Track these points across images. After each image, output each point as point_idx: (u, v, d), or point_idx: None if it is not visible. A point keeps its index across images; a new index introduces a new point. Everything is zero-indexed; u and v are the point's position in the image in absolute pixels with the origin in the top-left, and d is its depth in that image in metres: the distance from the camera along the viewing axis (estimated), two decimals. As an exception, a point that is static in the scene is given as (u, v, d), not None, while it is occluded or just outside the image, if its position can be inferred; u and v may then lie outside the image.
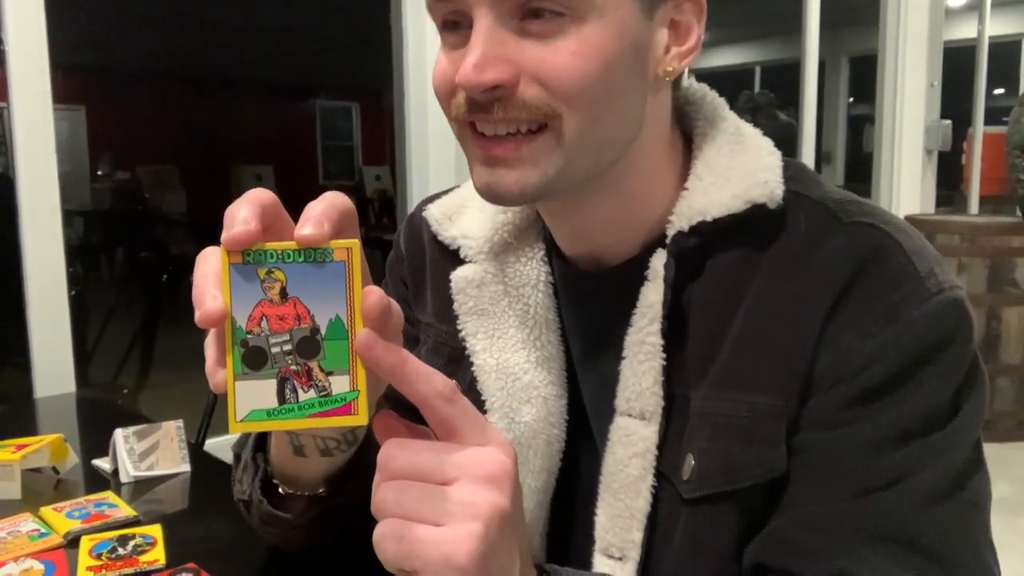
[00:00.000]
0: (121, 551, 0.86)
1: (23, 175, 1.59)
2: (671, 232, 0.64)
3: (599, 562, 0.65)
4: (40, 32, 1.58)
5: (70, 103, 8.97)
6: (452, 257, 0.74)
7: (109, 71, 9.28)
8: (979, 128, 4.51)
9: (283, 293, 0.45)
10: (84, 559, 0.84)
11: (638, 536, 0.63)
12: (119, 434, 1.11)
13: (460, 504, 0.44)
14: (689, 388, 0.63)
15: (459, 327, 0.72)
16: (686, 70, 0.66)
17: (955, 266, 3.45)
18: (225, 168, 10.04)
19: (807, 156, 3.50)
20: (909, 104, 3.57)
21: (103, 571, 0.82)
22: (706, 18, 0.63)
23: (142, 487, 1.07)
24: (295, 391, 0.46)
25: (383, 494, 0.45)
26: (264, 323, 0.46)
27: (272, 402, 0.46)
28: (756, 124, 0.70)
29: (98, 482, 1.08)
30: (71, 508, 0.96)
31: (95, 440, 1.17)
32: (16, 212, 1.60)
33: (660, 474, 0.63)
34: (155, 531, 0.90)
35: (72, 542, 0.89)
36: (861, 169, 6.76)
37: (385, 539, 0.44)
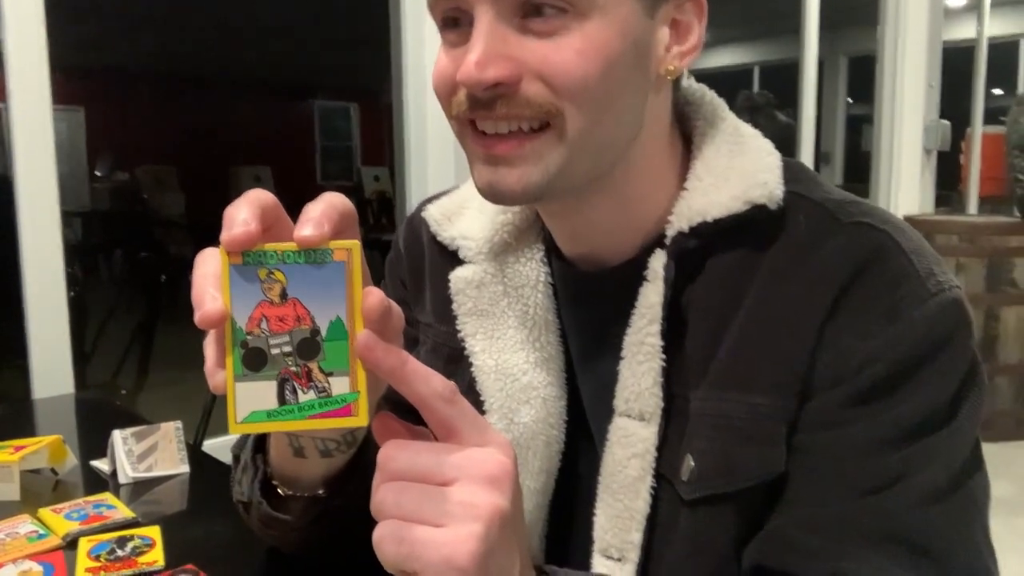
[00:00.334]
0: (120, 552, 0.86)
1: (22, 176, 1.59)
2: (671, 233, 0.63)
3: (598, 563, 0.65)
4: (39, 33, 1.58)
5: (69, 104, 8.96)
6: (451, 258, 0.74)
7: (108, 72, 9.28)
8: (978, 128, 4.51)
9: (283, 294, 0.45)
10: (83, 560, 0.84)
11: (637, 537, 0.63)
12: (117, 435, 1.11)
13: (460, 505, 0.44)
14: (689, 389, 0.62)
15: (458, 328, 0.72)
16: (686, 70, 0.66)
17: (953, 266, 3.45)
18: (224, 169, 10.03)
19: (806, 156, 3.50)
20: (908, 104, 3.58)
21: (102, 572, 0.82)
22: (707, 19, 0.63)
23: (141, 488, 1.07)
24: (295, 392, 0.46)
25: (383, 495, 0.45)
26: (264, 324, 0.45)
27: (272, 403, 0.46)
28: (755, 124, 0.70)
29: (97, 483, 1.08)
30: (70, 509, 0.96)
31: (94, 441, 1.17)
32: (15, 213, 1.60)
33: (660, 475, 0.63)
34: (154, 532, 0.90)
35: (71, 543, 0.89)
36: (860, 169, 6.77)
37: (385, 540, 0.44)
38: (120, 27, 7.36)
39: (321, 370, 0.46)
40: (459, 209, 0.75)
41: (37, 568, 0.84)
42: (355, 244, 0.46)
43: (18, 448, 1.08)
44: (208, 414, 1.59)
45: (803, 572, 0.57)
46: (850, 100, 9.27)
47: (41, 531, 0.91)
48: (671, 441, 0.62)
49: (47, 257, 1.63)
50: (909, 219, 3.53)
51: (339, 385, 0.46)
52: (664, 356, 0.63)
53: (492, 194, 0.61)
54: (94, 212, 8.85)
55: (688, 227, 0.62)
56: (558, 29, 0.56)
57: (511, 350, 0.70)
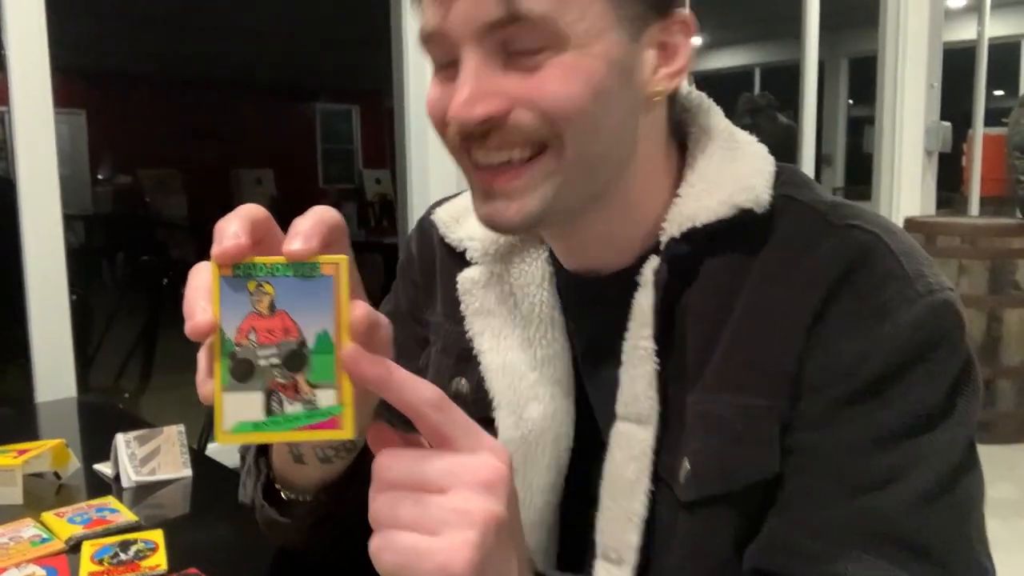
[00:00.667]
0: (123, 556, 0.86)
1: (24, 179, 1.59)
2: (663, 239, 0.64)
3: (599, 566, 0.65)
4: (41, 36, 1.58)
5: (71, 107, 8.98)
6: (459, 259, 0.75)
7: (110, 74, 9.29)
8: (979, 129, 4.51)
9: (271, 306, 0.46)
10: (86, 564, 0.84)
11: (635, 540, 0.63)
12: (120, 439, 1.11)
13: (454, 512, 0.44)
14: (684, 392, 0.63)
15: (466, 327, 0.73)
16: (687, 78, 0.67)
17: (956, 268, 3.44)
18: (225, 172, 10.04)
19: (807, 158, 3.50)
20: (909, 105, 3.57)
21: (105, 576, 0.82)
22: (696, 32, 0.64)
23: (144, 492, 1.07)
24: (281, 404, 0.46)
25: (378, 505, 0.46)
26: (252, 336, 0.46)
27: (259, 414, 0.46)
28: (756, 126, 0.73)
29: (100, 487, 1.08)
30: (73, 513, 0.96)
31: (97, 445, 1.17)
32: (17, 215, 1.60)
33: (658, 478, 0.63)
34: (157, 536, 0.90)
35: (74, 547, 0.89)
36: (861, 171, 6.76)
37: (381, 550, 0.45)
38: (122, 30, 7.37)
39: (308, 382, 0.46)
40: (467, 211, 0.75)
41: (40, 572, 0.84)
42: (343, 259, 0.46)
43: (21, 452, 1.08)
44: (211, 418, 1.59)
45: (802, 575, 0.57)
46: (851, 102, 9.27)
47: (44, 535, 0.91)
48: (669, 444, 0.63)
49: (49, 260, 1.63)
50: (910, 221, 3.54)
51: (325, 397, 0.46)
52: (659, 360, 0.63)
53: (492, 226, 0.63)
54: (96, 215, 8.86)
55: (679, 233, 0.63)
56: (541, 63, 0.58)
57: (518, 348, 0.71)
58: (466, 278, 0.73)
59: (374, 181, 10.76)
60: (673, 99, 0.68)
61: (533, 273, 0.71)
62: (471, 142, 0.60)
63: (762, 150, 0.67)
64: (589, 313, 0.70)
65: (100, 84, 9.36)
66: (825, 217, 0.62)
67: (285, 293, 0.46)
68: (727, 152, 0.66)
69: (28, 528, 0.93)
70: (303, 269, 0.46)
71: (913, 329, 0.57)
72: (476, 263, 0.73)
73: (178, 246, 8.42)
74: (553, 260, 0.72)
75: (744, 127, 0.70)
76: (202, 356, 0.47)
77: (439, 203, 0.82)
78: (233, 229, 0.45)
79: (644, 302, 0.64)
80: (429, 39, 0.61)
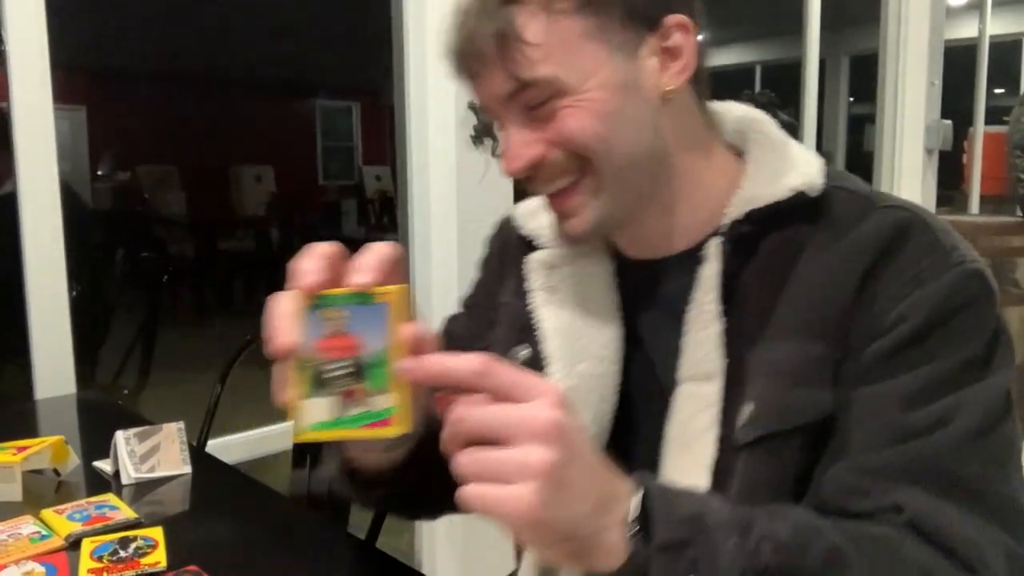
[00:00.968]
0: (122, 553, 0.86)
1: (23, 175, 1.59)
2: (725, 221, 0.74)
3: None
4: (41, 32, 1.58)
5: (71, 103, 8.97)
6: (530, 246, 0.86)
7: (110, 71, 9.28)
8: (980, 127, 4.51)
9: (340, 329, 0.57)
10: (85, 562, 0.84)
11: (703, 482, 0.70)
12: (120, 436, 1.11)
13: (518, 466, 0.52)
14: (745, 349, 0.71)
15: (531, 300, 0.83)
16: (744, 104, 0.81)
17: (956, 266, 3.43)
18: (225, 169, 10.03)
19: (808, 156, 3.49)
20: (910, 103, 3.57)
21: (104, 573, 0.82)
22: (697, 28, 0.72)
23: (143, 489, 1.07)
24: (347, 408, 0.57)
25: (460, 460, 0.54)
26: (324, 353, 0.57)
27: (329, 416, 0.57)
28: None
29: (99, 484, 1.08)
30: (72, 510, 0.96)
31: (96, 442, 1.17)
32: (16, 213, 1.60)
33: (720, 426, 0.71)
34: (156, 533, 0.90)
35: (73, 544, 0.89)
36: (862, 168, 6.75)
37: (469, 499, 0.53)
38: (122, 26, 7.36)
39: (368, 390, 0.56)
40: (539, 208, 0.86)
41: (40, 569, 0.84)
42: (396, 289, 0.57)
43: (20, 449, 1.08)
44: (211, 415, 1.59)
45: (858, 508, 0.64)
46: (852, 99, 9.26)
47: (44, 532, 0.91)
48: (730, 396, 0.71)
49: (48, 257, 1.63)
50: (911, 218, 3.53)
51: (382, 402, 0.56)
52: (724, 320, 0.72)
53: (568, 241, 0.77)
54: (95, 212, 8.85)
55: (742, 215, 0.73)
56: (555, 111, 0.70)
57: (575, 319, 0.80)
58: (535, 259, 0.84)
59: (374, 178, 10.76)
60: (701, 100, 0.77)
61: (593, 257, 0.82)
62: (532, 182, 0.74)
63: (812, 152, 0.77)
64: (648, 293, 0.80)
65: (101, 80, 9.35)
66: (869, 199, 0.72)
67: (350, 318, 0.57)
68: (782, 153, 0.77)
69: (27, 525, 0.93)
70: (364, 298, 0.57)
71: (948, 292, 0.66)
72: (545, 248, 0.84)
73: (177, 243, 8.42)
74: (611, 248, 0.82)
75: None
76: (278, 369, 0.58)
77: (517, 205, 0.94)
78: (311, 267, 0.57)
79: (709, 272, 0.73)
80: (480, 109, 0.76)
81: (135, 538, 0.89)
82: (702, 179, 0.76)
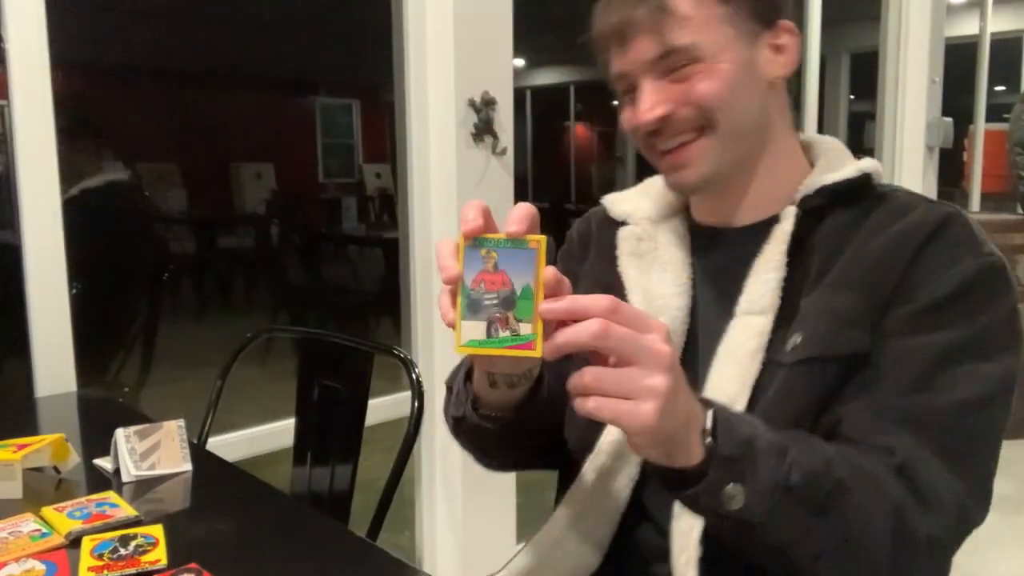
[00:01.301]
0: (123, 551, 0.86)
1: (23, 173, 1.59)
2: (799, 195, 0.89)
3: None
4: (40, 30, 1.58)
5: (71, 101, 8.95)
6: (618, 225, 1.03)
7: (109, 68, 9.27)
8: (980, 125, 4.51)
9: (495, 266, 0.68)
10: (86, 559, 0.84)
11: (745, 394, 0.83)
12: (120, 434, 1.11)
13: (644, 387, 0.64)
14: (801, 296, 0.85)
15: (619, 265, 0.99)
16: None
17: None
18: (225, 166, 10.03)
19: (808, 153, 3.49)
20: (910, 101, 3.57)
21: (105, 571, 0.83)
22: (799, 34, 0.91)
23: (144, 487, 1.08)
24: (497, 331, 0.68)
25: (589, 373, 0.65)
26: (482, 285, 0.68)
27: (482, 336, 0.68)
28: None
29: (100, 482, 1.09)
30: (72, 508, 0.96)
31: (96, 440, 1.18)
32: (16, 210, 1.60)
33: (766, 352, 0.84)
34: (157, 531, 0.90)
35: (74, 542, 0.89)
36: (862, 166, 6.71)
37: (599, 410, 0.64)
38: (122, 23, 7.35)
39: (515, 318, 0.67)
40: (624, 198, 1.05)
41: (40, 567, 0.84)
42: (543, 238, 0.69)
43: (21, 446, 1.08)
44: (212, 412, 1.59)
45: (860, 440, 0.77)
46: (852, 97, 9.26)
47: (44, 530, 0.91)
48: (779, 329, 0.85)
49: (49, 254, 1.63)
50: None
51: (525, 328, 0.67)
52: (788, 269, 0.86)
53: (679, 189, 0.93)
54: (96, 209, 8.83)
55: (813, 190, 0.89)
56: (689, 74, 0.85)
57: (655, 282, 0.96)
58: (625, 231, 1.01)
59: (374, 175, 10.76)
60: (790, 98, 0.94)
61: (673, 232, 0.98)
62: (655, 137, 0.88)
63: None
64: (720, 256, 0.95)
65: (100, 78, 9.34)
66: (923, 197, 0.88)
67: (504, 258, 0.68)
68: (847, 155, 0.94)
69: (28, 523, 0.93)
70: (517, 243, 0.68)
71: (973, 274, 0.80)
72: (634, 224, 1.01)
73: (177, 240, 8.42)
74: (688, 225, 0.99)
75: None
76: (444, 296, 0.70)
77: (605, 196, 1.10)
78: (474, 214, 0.68)
79: (782, 230, 0.88)
80: (619, 78, 0.90)
81: (135, 536, 0.89)
82: (784, 160, 0.93)
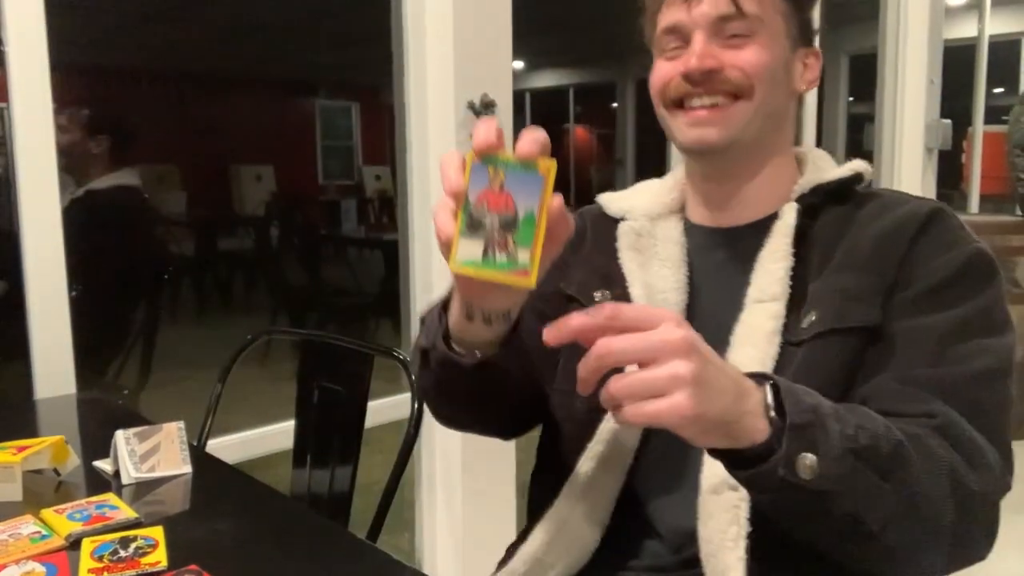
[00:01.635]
0: (123, 553, 0.86)
1: (23, 175, 1.59)
2: (795, 194, 0.95)
3: None
4: (40, 32, 1.58)
5: (70, 103, 8.95)
6: (614, 221, 1.05)
7: (109, 70, 9.27)
8: (979, 127, 4.51)
9: (501, 187, 0.66)
10: (86, 561, 0.84)
11: (767, 370, 0.84)
12: (120, 436, 1.11)
13: (669, 379, 0.63)
14: (807, 282, 0.90)
15: (619, 258, 1.02)
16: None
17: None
18: (225, 168, 10.03)
19: (807, 155, 3.49)
20: (909, 103, 3.57)
21: (105, 573, 0.82)
22: (821, 60, 0.99)
23: (144, 489, 1.08)
24: (494, 253, 0.66)
25: (618, 387, 0.64)
26: (485, 203, 0.66)
27: (478, 256, 0.66)
28: None
29: (99, 484, 1.08)
30: (72, 510, 0.96)
31: (96, 442, 1.18)
32: (16, 212, 1.60)
33: (782, 334, 0.88)
34: (157, 533, 0.90)
35: (74, 544, 0.89)
36: (861, 168, 6.72)
37: (636, 417, 0.64)
38: (122, 26, 7.36)
39: (514, 242, 0.65)
40: (620, 196, 1.09)
41: (40, 569, 0.84)
42: (553, 164, 0.66)
43: (20, 448, 1.08)
44: (211, 414, 1.59)
45: (897, 409, 0.79)
46: (851, 99, 9.26)
47: (44, 532, 0.91)
48: (791, 313, 0.89)
49: (48, 256, 1.63)
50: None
51: (523, 255, 0.65)
52: (793, 258, 0.90)
53: (699, 145, 0.94)
54: (95, 210, 8.82)
55: (809, 188, 0.95)
56: (743, 43, 0.91)
57: (653, 275, 0.99)
58: (626, 226, 1.04)
59: (374, 178, 10.77)
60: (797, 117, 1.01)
61: (670, 228, 1.02)
62: (693, 87, 0.91)
63: None
64: (719, 253, 0.99)
65: (100, 80, 9.34)
66: (905, 193, 0.96)
67: (511, 179, 0.66)
68: (835, 161, 1.00)
69: (28, 525, 0.93)
70: (527, 166, 0.66)
71: (968, 258, 0.87)
72: (633, 220, 1.04)
73: (177, 242, 8.42)
74: (684, 224, 1.02)
75: None
76: (441, 210, 0.68)
77: (599, 196, 1.13)
78: (487, 131, 0.67)
79: (783, 223, 0.93)
80: (671, 30, 0.93)
81: (135, 538, 0.89)
82: (784, 163, 0.99)
